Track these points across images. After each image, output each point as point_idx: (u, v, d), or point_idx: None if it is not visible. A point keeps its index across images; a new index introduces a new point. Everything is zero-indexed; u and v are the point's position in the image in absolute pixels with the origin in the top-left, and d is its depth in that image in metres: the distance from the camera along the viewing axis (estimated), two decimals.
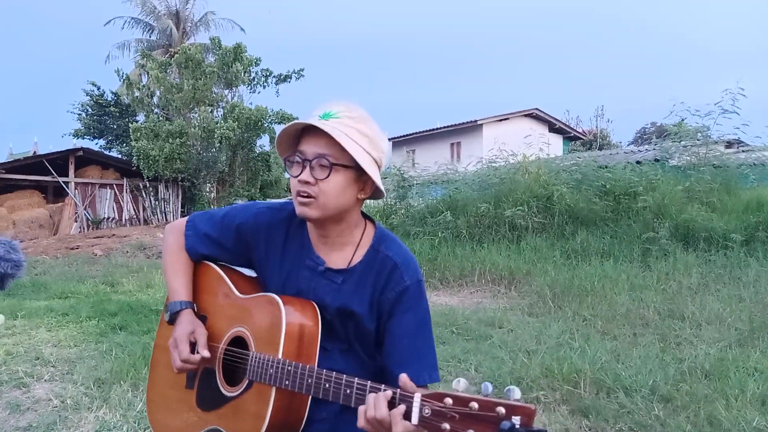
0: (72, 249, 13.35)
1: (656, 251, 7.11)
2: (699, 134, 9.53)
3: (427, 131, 26.22)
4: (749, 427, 2.86)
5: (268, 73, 18.74)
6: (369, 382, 1.19)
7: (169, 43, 24.02)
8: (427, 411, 1.05)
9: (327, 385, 1.24)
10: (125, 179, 18.50)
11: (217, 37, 18.67)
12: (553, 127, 26.07)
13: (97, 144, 23.32)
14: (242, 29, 24.97)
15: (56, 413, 3.25)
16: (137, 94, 18.55)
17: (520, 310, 5.89)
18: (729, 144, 11.15)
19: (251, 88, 18.89)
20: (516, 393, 0.98)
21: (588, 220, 8.40)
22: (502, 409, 0.97)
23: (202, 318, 1.52)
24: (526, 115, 24.92)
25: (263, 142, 19.12)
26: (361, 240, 1.45)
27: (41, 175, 17.47)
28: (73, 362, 4.26)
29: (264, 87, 18.97)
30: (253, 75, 18.53)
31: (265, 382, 1.32)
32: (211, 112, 17.76)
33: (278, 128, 18.03)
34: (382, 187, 1.40)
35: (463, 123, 24.54)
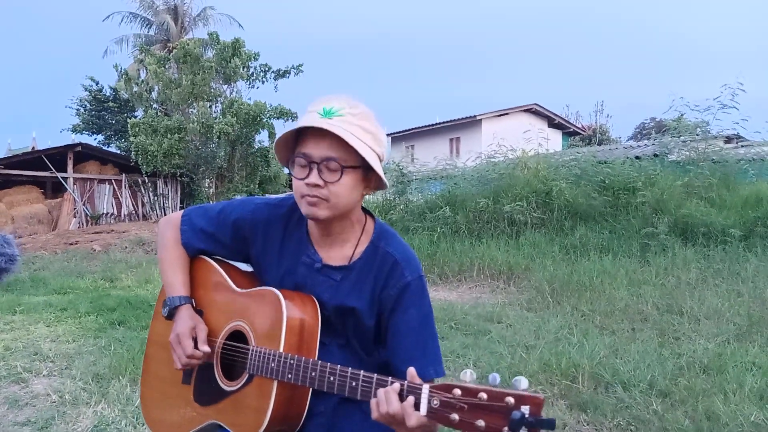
0: (71, 244, 13.34)
1: (655, 246, 7.11)
2: (698, 129, 9.51)
3: (426, 127, 26.17)
4: (747, 422, 2.86)
5: (266, 69, 18.68)
6: (375, 375, 1.19)
7: (168, 38, 23.96)
8: (435, 402, 1.06)
9: (332, 378, 1.24)
10: (124, 175, 18.46)
11: (215, 32, 18.62)
12: (553, 123, 26.03)
13: (95, 139, 23.35)
14: (240, 25, 24.93)
15: (55, 408, 3.25)
16: (136, 89, 18.49)
17: (519, 305, 5.89)
18: (728, 139, 11.13)
19: (250, 84, 18.84)
20: (524, 383, 0.99)
21: (587, 215, 8.40)
22: (511, 399, 0.98)
23: (199, 312, 1.51)
24: (525, 111, 24.86)
25: (262, 138, 19.10)
26: (361, 236, 1.44)
27: (40, 170, 17.44)
28: (71, 357, 4.26)
29: (263, 82, 18.92)
30: (251, 70, 18.47)
31: (266, 376, 1.31)
32: (210, 107, 17.72)
33: (277, 123, 18.00)
34: (385, 180, 1.38)
35: (463, 118, 24.49)
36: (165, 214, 18.33)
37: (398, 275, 1.39)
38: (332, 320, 1.42)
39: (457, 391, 1.03)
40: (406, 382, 1.12)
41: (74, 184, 17.79)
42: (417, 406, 1.08)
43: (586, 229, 8.03)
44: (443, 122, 25.48)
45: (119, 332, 5.03)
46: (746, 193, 7.98)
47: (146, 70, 18.41)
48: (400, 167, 11.21)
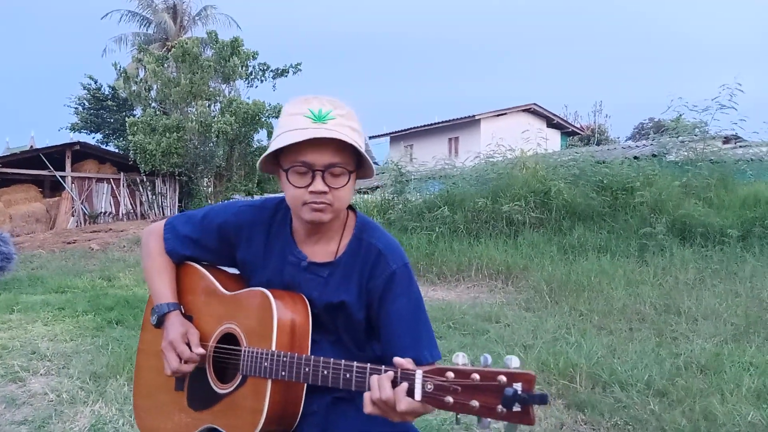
0: (69, 243, 13.32)
1: (653, 246, 7.12)
2: (696, 130, 9.53)
3: (425, 126, 26.19)
4: (744, 422, 2.86)
5: (265, 68, 18.67)
6: (368, 364, 1.19)
7: (166, 37, 23.93)
8: (429, 386, 1.07)
9: (326, 372, 1.24)
10: (122, 173, 18.45)
11: (214, 31, 18.63)
12: (551, 122, 26.05)
13: (94, 138, 23.34)
14: (239, 26, 24.91)
15: (52, 407, 3.24)
16: (134, 88, 18.48)
17: (517, 304, 5.89)
18: (726, 139, 11.15)
19: (248, 83, 18.84)
20: (515, 361, 1.00)
21: (585, 215, 8.40)
22: (503, 377, 0.99)
23: (189, 318, 1.51)
24: (524, 110, 24.89)
25: (261, 137, 19.08)
26: (344, 230, 1.45)
27: (38, 169, 17.42)
28: (69, 356, 4.25)
29: (261, 81, 18.92)
30: (250, 69, 18.46)
31: (259, 376, 1.31)
32: (209, 106, 17.70)
33: (275, 123, 17.96)
34: (373, 168, 1.40)
35: (461, 118, 24.51)
36: (163, 213, 18.36)
37: (383, 265, 1.40)
38: (322, 317, 1.42)
39: (450, 374, 1.04)
40: (399, 369, 1.12)
41: (72, 182, 17.77)
42: (411, 392, 1.09)
43: (585, 229, 8.03)
44: (442, 122, 25.50)
45: (117, 331, 5.02)
46: (744, 194, 7.99)
47: (145, 69, 18.39)
48: (399, 167, 11.21)
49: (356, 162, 1.35)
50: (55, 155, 17.58)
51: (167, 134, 16.83)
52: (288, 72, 18.85)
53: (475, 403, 1.01)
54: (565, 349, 4.08)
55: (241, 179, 18.49)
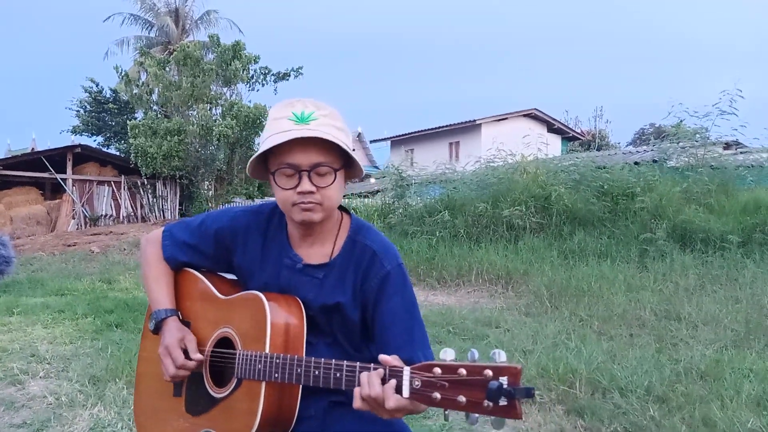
0: (69, 246, 13.33)
1: (653, 252, 7.12)
2: (697, 135, 9.54)
3: (425, 131, 26.22)
4: (744, 429, 2.86)
5: (266, 71, 18.68)
6: (357, 363, 1.19)
7: (168, 40, 24.00)
8: (417, 383, 1.06)
9: (317, 372, 1.24)
10: (123, 176, 18.45)
11: (216, 34, 18.63)
12: (552, 128, 26.08)
13: (95, 141, 23.32)
14: (240, 30, 24.96)
15: (51, 410, 3.24)
16: (136, 91, 18.49)
17: (517, 310, 5.89)
18: (727, 145, 11.16)
19: (250, 86, 18.84)
20: (502, 356, 1.00)
21: (585, 220, 8.41)
22: (489, 372, 0.98)
23: (186, 324, 1.52)
24: (524, 115, 24.93)
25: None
26: (338, 232, 1.46)
27: (39, 171, 17.43)
28: (68, 359, 4.25)
29: (263, 85, 18.92)
30: (251, 73, 18.47)
31: (254, 379, 1.32)
32: (210, 109, 17.70)
33: None
34: (362, 167, 1.42)
35: (462, 123, 24.55)
36: (164, 216, 18.36)
37: (378, 266, 1.41)
38: (318, 319, 1.43)
39: (438, 370, 1.04)
40: (387, 366, 1.13)
41: (73, 185, 17.78)
42: (399, 389, 1.09)
43: (585, 234, 8.04)
44: (443, 126, 25.53)
45: (116, 334, 5.02)
46: (745, 200, 7.99)
47: (146, 72, 18.41)
48: (399, 171, 11.22)
49: (343, 161, 1.36)
50: (56, 158, 17.59)
51: (168, 137, 16.82)
52: (289, 76, 18.86)
53: (462, 398, 1.00)
54: (565, 354, 4.07)
55: (242, 183, 18.48)
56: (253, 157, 1.36)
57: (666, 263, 6.77)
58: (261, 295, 1.37)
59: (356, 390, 1.15)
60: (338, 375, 1.21)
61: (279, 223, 1.48)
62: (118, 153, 21.31)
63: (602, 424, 3.04)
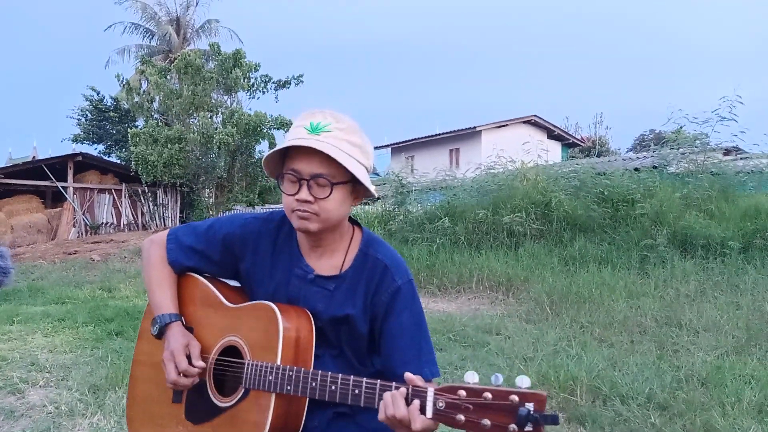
0: (70, 254, 13.33)
1: (654, 258, 7.11)
2: (697, 141, 9.55)
3: (426, 137, 26.26)
4: None
5: (267, 79, 18.75)
6: (378, 381, 1.19)
7: (169, 48, 24.09)
8: (441, 404, 1.08)
9: (333, 387, 1.24)
10: (124, 184, 18.48)
11: (217, 43, 18.71)
12: (552, 134, 26.12)
13: (96, 149, 23.38)
14: (240, 40, 25.07)
15: (50, 419, 3.23)
16: (137, 99, 18.55)
17: (518, 316, 5.88)
18: (727, 151, 11.17)
19: (250, 94, 18.90)
20: (526, 381, 1.02)
21: (586, 226, 8.40)
22: (515, 397, 1.00)
23: (189, 329, 1.50)
24: (524, 122, 24.97)
25: (262, 148, 19.09)
26: (350, 245, 1.46)
27: (40, 180, 17.46)
28: (68, 368, 4.24)
29: (263, 93, 18.97)
30: (252, 81, 18.53)
31: (263, 389, 1.31)
32: (211, 117, 17.76)
33: (277, 134, 18.02)
34: (373, 191, 1.41)
35: (462, 129, 24.59)
36: (165, 224, 18.36)
37: (389, 280, 1.41)
38: (326, 331, 1.43)
39: (462, 393, 1.05)
40: (410, 386, 1.13)
41: (74, 193, 17.81)
42: (423, 409, 1.10)
43: (585, 240, 8.03)
44: (443, 133, 25.58)
45: (116, 343, 5.02)
46: (745, 205, 7.99)
47: (147, 80, 18.48)
48: (400, 178, 11.23)
49: (351, 176, 1.34)
50: (57, 166, 17.63)
51: (169, 145, 16.86)
52: (290, 83, 18.92)
53: (486, 422, 1.01)
54: (566, 361, 4.06)
55: (243, 190, 18.51)
56: (265, 156, 1.37)
57: (667, 269, 6.76)
58: (273, 305, 1.37)
59: (381, 404, 1.15)
60: (357, 392, 1.21)
61: (289, 232, 1.48)
62: (119, 161, 21.35)
63: (603, 431, 3.04)
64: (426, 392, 1.10)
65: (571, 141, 28.11)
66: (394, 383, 1.17)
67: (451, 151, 25.30)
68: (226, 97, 18.62)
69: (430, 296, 7.35)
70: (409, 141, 27.07)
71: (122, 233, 17.45)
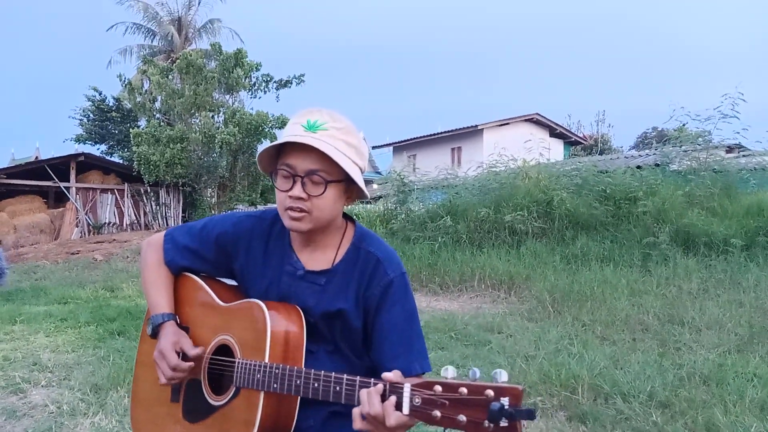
0: (72, 254, 13.36)
1: (656, 256, 7.09)
2: (700, 139, 9.51)
3: (427, 136, 26.24)
4: None
5: (268, 79, 18.76)
6: (358, 377, 1.19)
7: (171, 48, 24.12)
8: (417, 400, 1.06)
9: (316, 385, 1.24)
10: (126, 184, 18.51)
11: (218, 42, 18.72)
12: (554, 132, 26.07)
13: (98, 149, 23.46)
14: (242, 40, 25.09)
15: (52, 419, 3.24)
16: (139, 99, 18.59)
17: (520, 315, 5.87)
18: (729, 149, 11.13)
19: (252, 94, 18.92)
20: (503, 376, 0.99)
21: (588, 224, 8.39)
22: (490, 392, 0.98)
23: (185, 329, 1.51)
24: (526, 120, 24.92)
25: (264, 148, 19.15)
26: (342, 240, 1.46)
27: (43, 180, 17.50)
28: (70, 368, 4.25)
29: (265, 92, 19.00)
30: (253, 80, 18.55)
31: (252, 388, 1.31)
32: (212, 117, 17.78)
33: (279, 133, 18.02)
34: (367, 192, 1.41)
35: (464, 128, 24.55)
36: (167, 224, 18.38)
37: (381, 273, 1.41)
38: (319, 326, 1.42)
39: (438, 388, 1.03)
40: (388, 382, 1.12)
41: (77, 193, 17.84)
42: (399, 406, 1.08)
43: (587, 238, 8.02)
44: (445, 132, 25.54)
45: (119, 342, 5.02)
46: (748, 203, 7.96)
47: (149, 80, 18.50)
48: (402, 177, 11.22)
49: (346, 175, 1.34)
50: (60, 166, 17.67)
51: (171, 145, 16.89)
52: (291, 83, 18.93)
53: (462, 417, 0.99)
54: (567, 360, 4.06)
55: (245, 189, 18.53)
56: (260, 151, 1.37)
57: (669, 267, 6.75)
58: (261, 303, 1.37)
59: (356, 410, 1.14)
60: (338, 389, 1.20)
61: (282, 230, 1.47)
62: (121, 161, 21.41)
63: (604, 429, 3.03)
64: (402, 388, 1.08)
65: (573, 139, 28.07)
66: (372, 380, 1.15)
67: (452, 149, 25.27)
68: (227, 97, 18.65)
69: (432, 295, 7.35)
70: (410, 140, 27.04)
71: (125, 233, 17.49)
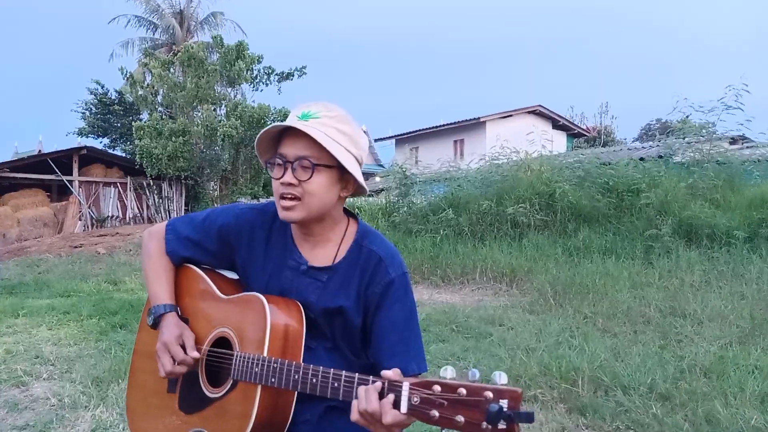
0: (75, 247, 13.39)
1: (659, 248, 7.07)
2: (703, 130, 9.46)
3: (430, 129, 26.18)
4: (747, 426, 2.84)
5: (270, 71, 18.71)
6: (357, 374, 1.18)
7: (173, 41, 24.06)
8: (416, 399, 1.05)
9: (314, 380, 1.23)
10: (129, 178, 18.53)
11: (220, 35, 18.66)
12: (557, 124, 25.98)
13: (101, 143, 23.41)
14: (244, 32, 24.99)
15: (53, 412, 3.26)
16: (141, 92, 18.56)
17: (521, 307, 5.87)
18: (733, 140, 11.08)
19: (254, 86, 18.87)
20: (503, 378, 0.99)
21: (590, 217, 8.37)
22: (489, 393, 0.97)
23: (185, 320, 1.51)
24: (529, 112, 24.84)
25: None
26: (344, 236, 1.45)
27: (46, 173, 17.53)
28: (72, 361, 4.27)
29: (266, 85, 18.94)
30: (255, 73, 18.50)
31: (250, 381, 1.31)
32: (214, 110, 17.75)
33: None
34: (364, 185, 1.40)
35: (467, 120, 24.49)
36: (170, 217, 18.38)
37: (382, 272, 1.40)
38: (319, 322, 1.42)
39: (437, 388, 1.03)
40: (386, 380, 1.12)
41: (80, 187, 17.87)
42: (397, 404, 1.08)
43: (590, 231, 8.00)
44: (447, 124, 25.48)
45: (120, 335, 5.05)
46: (751, 195, 7.92)
47: (151, 73, 18.47)
48: (404, 169, 11.20)
49: (339, 163, 1.33)
50: (63, 160, 17.68)
51: (173, 138, 16.87)
52: (293, 75, 18.89)
53: (460, 418, 0.99)
54: (568, 352, 4.06)
55: (247, 182, 18.52)
56: (257, 139, 1.37)
57: (671, 259, 6.73)
58: (262, 297, 1.36)
59: (354, 403, 1.14)
60: (336, 385, 1.20)
61: (283, 223, 1.46)
62: (123, 154, 21.40)
63: (604, 422, 3.03)
64: (401, 387, 1.08)
65: (576, 131, 27.96)
66: (371, 377, 1.15)
67: (455, 142, 25.22)
68: (229, 90, 18.60)
69: (433, 287, 7.35)
70: (413, 132, 26.98)
71: (128, 226, 17.51)
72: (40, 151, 26.08)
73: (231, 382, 1.36)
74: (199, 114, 17.65)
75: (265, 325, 1.32)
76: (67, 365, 4.16)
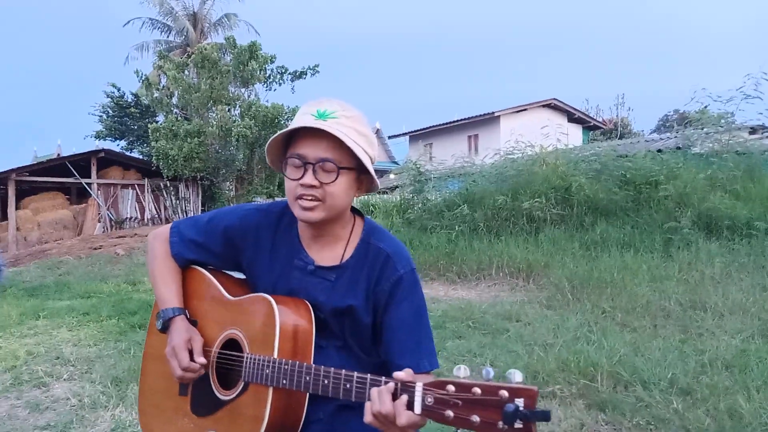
0: (95, 249, 13.55)
1: (678, 241, 6.97)
2: (722, 120, 9.31)
3: (444, 124, 26.09)
4: None
5: (283, 70, 18.76)
6: (369, 375, 1.17)
7: (187, 43, 24.24)
8: (429, 399, 1.04)
9: (326, 381, 1.22)
10: (146, 179, 18.72)
11: (232, 36, 18.75)
12: (572, 117, 25.75)
13: (118, 145, 23.69)
14: (257, 32, 25.10)
15: (74, 412, 3.30)
16: (156, 94, 18.73)
17: (538, 303, 5.82)
18: (753, 130, 10.88)
19: (267, 86, 18.93)
20: (518, 376, 0.98)
21: (608, 210, 8.27)
22: (505, 393, 0.96)
23: (193, 323, 1.50)
24: (544, 106, 24.64)
25: None
26: (351, 235, 1.44)
27: (64, 177, 17.77)
28: (92, 361, 4.32)
29: (280, 84, 18.99)
30: (268, 72, 18.56)
31: (261, 383, 1.30)
32: (229, 110, 17.85)
33: None
34: (377, 182, 1.39)
35: (481, 115, 24.36)
36: (187, 217, 18.56)
37: (391, 269, 1.39)
38: (329, 322, 1.41)
39: (451, 387, 1.02)
40: (399, 381, 1.10)
41: (98, 189, 18.09)
42: (410, 405, 1.07)
43: (607, 224, 7.91)
44: (461, 119, 25.36)
45: (139, 335, 5.09)
46: None
47: (166, 75, 18.62)
48: (418, 166, 11.17)
49: (357, 164, 1.33)
50: (81, 163, 17.91)
51: (189, 139, 17.01)
52: (306, 74, 18.91)
53: (475, 418, 0.98)
54: (586, 347, 4.01)
55: (262, 182, 18.60)
56: (270, 140, 1.35)
57: (691, 252, 6.63)
58: (270, 298, 1.36)
59: (367, 404, 1.13)
60: (348, 386, 1.19)
61: (289, 223, 1.46)
62: (140, 156, 21.62)
63: (624, 417, 2.99)
64: (414, 387, 1.07)
65: (592, 124, 27.69)
66: (383, 378, 1.14)
67: (469, 137, 25.10)
68: (243, 90, 18.69)
69: (449, 284, 7.32)
70: (427, 128, 26.91)
71: (146, 227, 17.69)
72: (59, 154, 26.44)
73: (242, 384, 1.36)
74: (214, 115, 17.76)
75: (274, 327, 1.31)
76: (87, 366, 4.21)
